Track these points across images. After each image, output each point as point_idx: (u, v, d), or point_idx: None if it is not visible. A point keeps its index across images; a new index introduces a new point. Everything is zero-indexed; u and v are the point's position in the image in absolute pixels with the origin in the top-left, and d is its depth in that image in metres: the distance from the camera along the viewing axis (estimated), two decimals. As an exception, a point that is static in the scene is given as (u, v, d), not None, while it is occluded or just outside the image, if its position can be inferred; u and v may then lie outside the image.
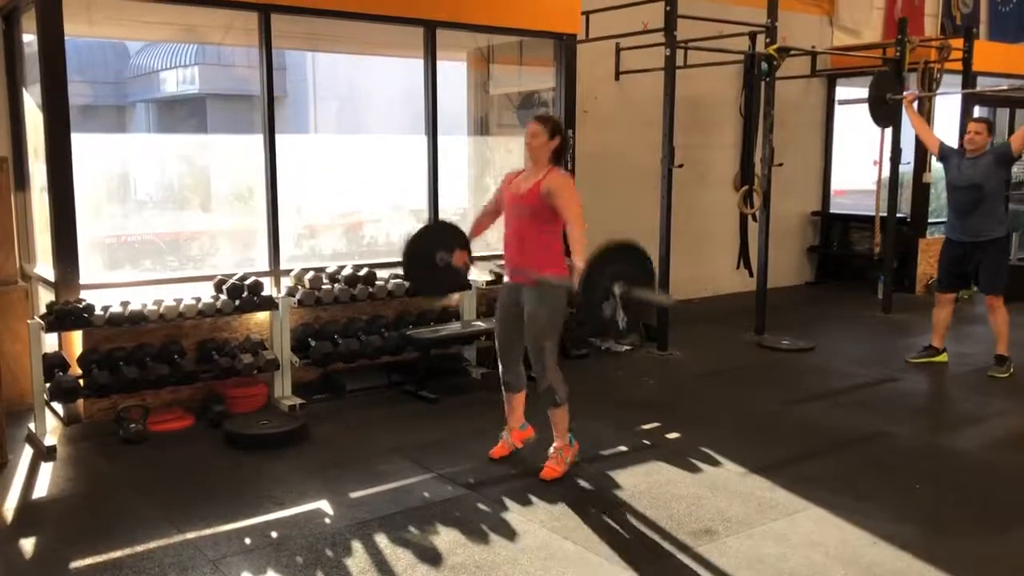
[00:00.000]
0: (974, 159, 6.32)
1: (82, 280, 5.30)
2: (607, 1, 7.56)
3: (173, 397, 5.43)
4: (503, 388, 4.66)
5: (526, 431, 4.72)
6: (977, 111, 10.48)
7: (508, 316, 4.49)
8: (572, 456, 4.41)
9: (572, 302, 4.19)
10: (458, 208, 7.39)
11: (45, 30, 5.09)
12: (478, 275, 6.60)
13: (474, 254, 6.88)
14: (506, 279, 4.53)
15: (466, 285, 5.06)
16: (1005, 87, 9.31)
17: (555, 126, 4.33)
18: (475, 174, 7.67)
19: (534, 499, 4.20)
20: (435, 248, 4.78)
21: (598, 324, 3.98)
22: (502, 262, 6.71)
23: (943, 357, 6.77)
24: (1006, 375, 6.38)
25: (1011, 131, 11.18)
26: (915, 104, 7.01)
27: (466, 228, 4.80)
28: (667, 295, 3.84)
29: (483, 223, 4.72)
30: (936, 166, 9.73)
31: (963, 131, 9.39)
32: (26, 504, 4.22)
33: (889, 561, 3.61)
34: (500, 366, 4.63)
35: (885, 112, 7.33)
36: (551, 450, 4.43)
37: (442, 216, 6.67)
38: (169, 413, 5.32)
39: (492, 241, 7.35)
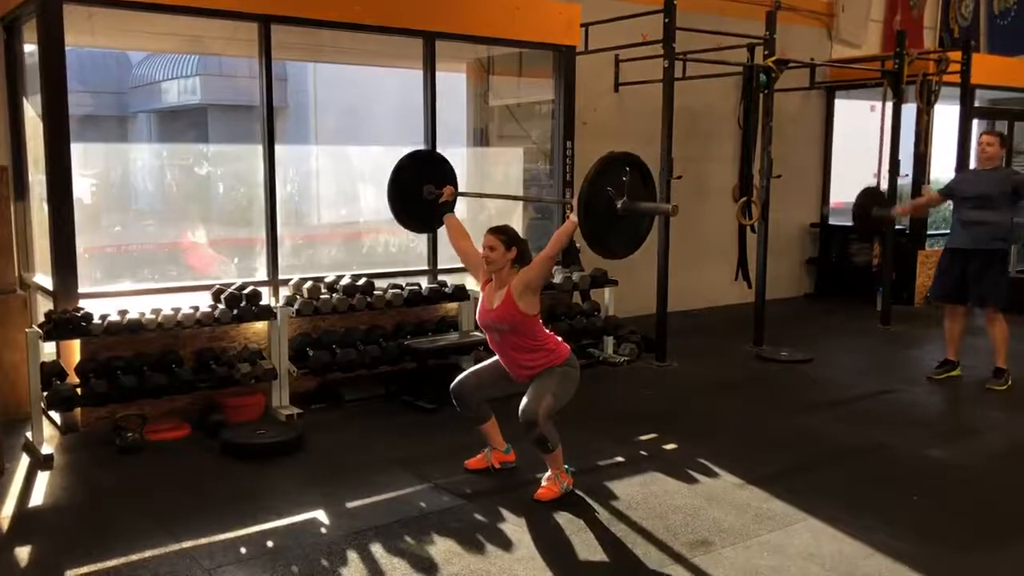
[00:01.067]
0: (987, 173, 6.34)
1: (81, 289, 5.32)
2: (606, 13, 7.59)
3: (171, 406, 5.43)
4: (471, 423, 4.65)
5: (509, 455, 4.69)
6: (976, 123, 10.51)
7: (495, 378, 4.49)
8: (568, 484, 4.39)
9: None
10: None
11: (46, 40, 5.12)
12: (475, 285, 6.61)
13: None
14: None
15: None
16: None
17: (511, 237, 4.31)
18: (474, 185, 7.68)
19: (531, 509, 4.20)
20: (422, 180, 4.76)
21: (606, 244, 3.88)
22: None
23: (957, 371, 6.74)
24: (1003, 388, 6.37)
25: (1010, 142, 11.21)
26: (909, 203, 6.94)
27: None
28: (668, 203, 3.76)
29: (461, 234, 4.71)
30: (935, 178, 9.80)
31: (961, 142, 9.49)
32: (23, 512, 4.22)
33: (885, 573, 3.60)
34: (456, 404, 4.56)
35: (870, 225, 7.23)
36: (548, 474, 4.39)
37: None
38: (166, 422, 5.32)
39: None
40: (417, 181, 4.86)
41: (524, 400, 4.23)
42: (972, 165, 6.60)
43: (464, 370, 5.79)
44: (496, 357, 4.51)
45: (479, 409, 4.58)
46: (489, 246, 4.30)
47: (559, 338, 4.48)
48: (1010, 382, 6.40)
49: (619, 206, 3.86)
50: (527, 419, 4.18)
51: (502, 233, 4.32)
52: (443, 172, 4.90)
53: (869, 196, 7.25)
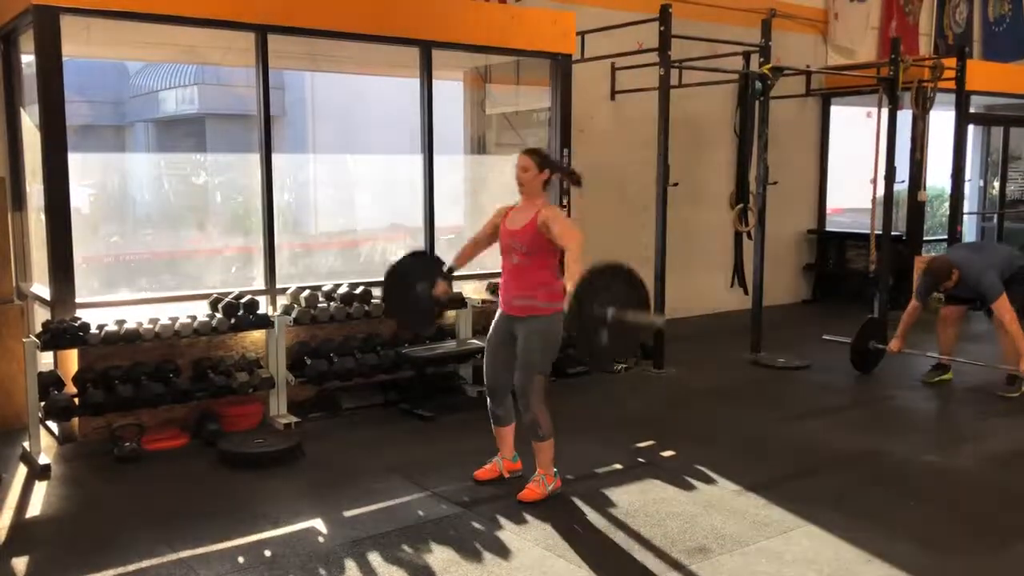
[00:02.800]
0: (959, 285, 6.34)
1: (78, 299, 5.32)
2: (602, 21, 7.61)
3: (168, 416, 5.43)
4: (492, 421, 4.65)
5: (516, 463, 4.70)
6: (971, 130, 10.54)
7: (500, 343, 4.49)
8: (554, 488, 4.41)
9: (567, 330, 4.09)
10: (454, 227, 7.42)
11: (43, 51, 5.13)
12: (473, 294, 6.62)
13: (467, 272, 6.91)
14: (500, 310, 4.50)
15: (455, 303, 4.77)
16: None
17: (544, 158, 4.37)
18: (472, 193, 7.70)
19: (528, 517, 4.20)
20: (416, 279, 4.80)
21: (590, 350, 3.90)
22: (498, 280, 6.74)
23: (949, 375, 6.75)
24: (1016, 395, 6.29)
25: (1005, 148, 11.25)
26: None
27: (452, 253, 4.80)
28: (658, 316, 3.72)
29: (470, 251, 4.72)
30: (930, 185, 9.82)
31: (957, 148, 9.51)
32: (20, 523, 4.21)
33: (883, 579, 3.61)
34: (488, 398, 4.61)
35: (868, 359, 7.24)
36: (534, 476, 4.44)
37: (437, 235, 6.70)
38: (164, 432, 5.32)
39: (487, 262, 7.40)
40: (410, 283, 4.84)
41: (516, 375, 4.35)
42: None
43: (463, 379, 5.77)
44: (495, 317, 4.53)
45: (507, 407, 4.59)
46: (522, 167, 4.33)
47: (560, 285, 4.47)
48: (1023, 389, 6.34)
49: (608, 316, 3.88)
50: (523, 403, 4.30)
51: (535, 154, 4.36)
52: (434, 267, 4.83)
53: (868, 329, 7.23)
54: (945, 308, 6.68)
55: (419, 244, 6.77)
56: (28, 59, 5.82)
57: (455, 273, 4.77)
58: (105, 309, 5.43)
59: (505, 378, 4.52)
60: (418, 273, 4.80)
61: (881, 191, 8.63)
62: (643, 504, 4.36)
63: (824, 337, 7.67)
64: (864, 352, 7.09)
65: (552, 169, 4.38)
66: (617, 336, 3.90)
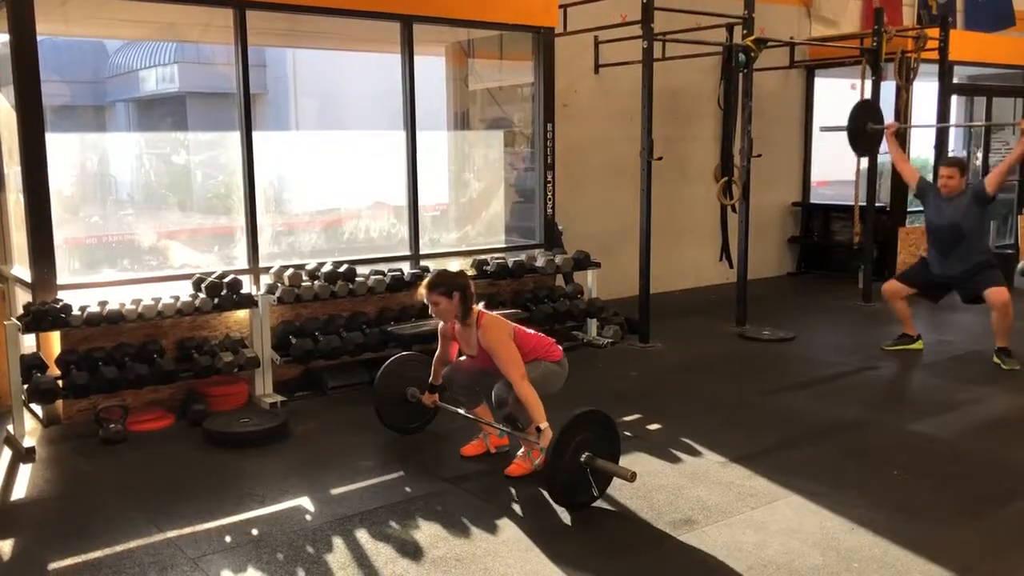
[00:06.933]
0: (951, 198, 6.41)
1: (59, 280, 5.29)
2: (584, -6, 7.56)
3: (153, 396, 5.41)
4: (460, 407, 4.70)
5: (503, 439, 4.71)
6: (955, 101, 10.55)
7: (475, 363, 4.51)
8: (540, 462, 4.43)
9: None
10: (438, 204, 7.39)
11: (17, 29, 5.07)
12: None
13: (451, 249, 6.92)
14: None
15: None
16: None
17: (449, 284, 4.30)
18: (455, 169, 7.66)
19: (514, 492, 4.21)
20: (407, 382, 4.90)
21: (560, 487, 3.97)
22: (483, 256, 6.75)
23: (919, 344, 6.82)
24: (1018, 366, 6.29)
25: (988, 118, 11.28)
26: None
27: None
28: (629, 470, 3.86)
29: (441, 368, 4.74)
30: (914, 156, 9.83)
31: (940, 118, 9.53)
32: (4, 506, 4.20)
33: (867, 547, 3.64)
34: (450, 390, 4.67)
35: (865, 142, 7.17)
36: (520, 451, 4.46)
37: (421, 212, 6.67)
38: (149, 413, 5.30)
39: (472, 235, 7.39)
40: (401, 385, 4.93)
41: (501, 383, 4.31)
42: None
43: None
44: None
45: (468, 393, 4.62)
46: (433, 302, 4.34)
47: (552, 340, 4.59)
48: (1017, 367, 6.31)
49: (582, 459, 3.94)
50: (499, 397, 4.29)
51: (439, 285, 4.30)
52: (425, 373, 4.89)
53: (864, 111, 7.18)
54: (888, 283, 6.73)
55: (403, 224, 6.75)
56: (2, 38, 5.73)
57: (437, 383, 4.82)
58: (87, 290, 5.40)
59: (467, 380, 4.57)
60: (410, 375, 4.92)
61: (865, 163, 8.64)
62: (629, 477, 4.37)
63: (820, 127, 7.62)
64: (861, 132, 7.09)
65: (462, 291, 4.31)
66: (590, 476, 3.98)
